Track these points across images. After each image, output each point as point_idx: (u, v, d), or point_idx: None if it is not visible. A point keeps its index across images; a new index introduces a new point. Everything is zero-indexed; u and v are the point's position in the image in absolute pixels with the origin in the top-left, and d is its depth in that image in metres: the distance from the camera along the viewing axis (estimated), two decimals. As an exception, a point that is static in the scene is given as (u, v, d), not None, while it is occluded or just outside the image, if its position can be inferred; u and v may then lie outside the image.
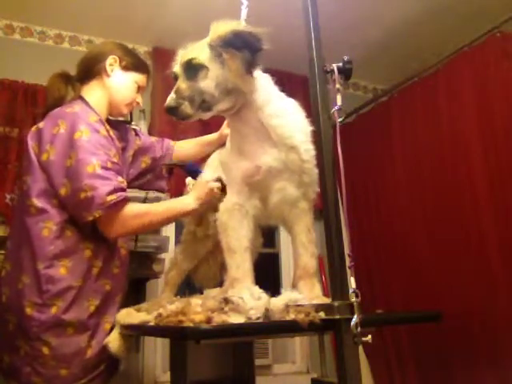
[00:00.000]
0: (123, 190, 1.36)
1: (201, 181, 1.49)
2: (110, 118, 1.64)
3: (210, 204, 1.47)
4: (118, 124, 1.67)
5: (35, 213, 1.37)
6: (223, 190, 1.42)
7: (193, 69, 1.22)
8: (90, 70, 1.57)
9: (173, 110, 1.22)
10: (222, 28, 1.19)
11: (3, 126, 2.52)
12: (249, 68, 1.17)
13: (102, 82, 1.56)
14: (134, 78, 1.60)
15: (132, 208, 1.38)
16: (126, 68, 1.58)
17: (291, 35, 2.23)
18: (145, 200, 1.90)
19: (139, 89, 1.63)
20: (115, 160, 1.40)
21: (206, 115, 1.26)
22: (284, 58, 3.00)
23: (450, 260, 2.25)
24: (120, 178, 1.37)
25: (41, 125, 1.44)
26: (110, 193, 1.31)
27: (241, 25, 1.20)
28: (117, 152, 1.47)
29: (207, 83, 1.21)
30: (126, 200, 1.36)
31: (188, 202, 1.47)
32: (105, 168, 1.34)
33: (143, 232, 1.45)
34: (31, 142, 1.43)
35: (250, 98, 1.26)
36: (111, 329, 1.40)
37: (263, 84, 1.30)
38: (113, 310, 1.43)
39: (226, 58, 1.18)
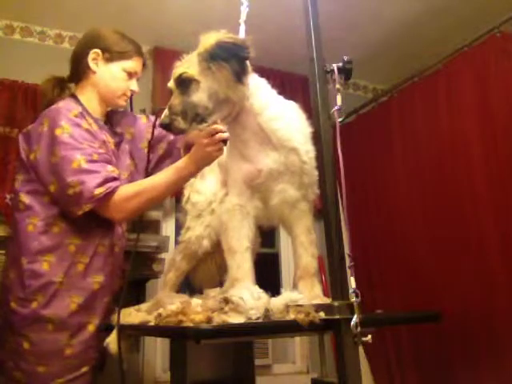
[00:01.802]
0: (114, 178, 1.34)
1: (198, 141, 1.37)
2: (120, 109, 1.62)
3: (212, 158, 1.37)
4: (125, 114, 1.66)
5: (23, 209, 1.39)
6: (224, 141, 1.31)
7: (184, 83, 1.23)
8: (76, 69, 1.54)
9: (167, 127, 1.24)
10: (208, 40, 1.19)
11: (3, 126, 2.52)
12: (238, 77, 1.18)
13: (90, 79, 1.52)
14: (122, 66, 1.51)
15: (126, 190, 1.34)
16: (109, 59, 1.51)
17: (291, 35, 2.23)
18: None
19: (131, 75, 1.54)
20: (101, 151, 1.38)
21: (202, 127, 1.27)
22: (284, 58, 3.01)
23: (449, 260, 2.24)
24: (110, 167, 1.35)
25: (30, 126, 1.45)
26: (99, 185, 1.30)
27: (226, 35, 1.19)
28: (102, 144, 1.43)
29: (199, 96, 1.22)
30: (116, 189, 1.33)
31: (183, 166, 1.35)
32: (91, 161, 1.33)
33: (147, 209, 1.43)
34: (22, 144, 1.44)
35: (247, 104, 1.26)
36: (96, 330, 1.38)
37: (260, 89, 1.30)
38: (99, 311, 1.40)
39: (214, 69, 1.18)
